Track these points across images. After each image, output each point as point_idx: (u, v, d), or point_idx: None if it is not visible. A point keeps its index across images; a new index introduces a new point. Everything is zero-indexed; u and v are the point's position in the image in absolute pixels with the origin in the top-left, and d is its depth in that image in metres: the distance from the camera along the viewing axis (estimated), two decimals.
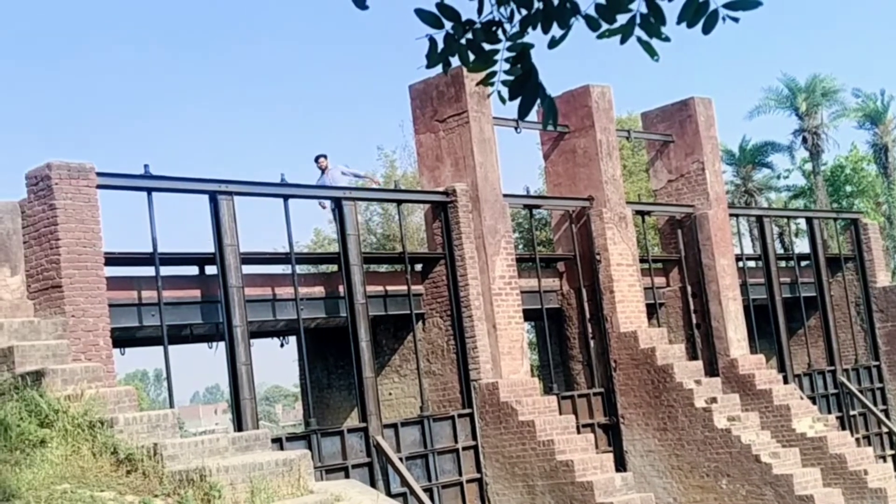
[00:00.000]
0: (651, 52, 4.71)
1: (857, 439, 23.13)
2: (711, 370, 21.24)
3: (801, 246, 36.98)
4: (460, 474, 17.27)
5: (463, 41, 4.79)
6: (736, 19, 4.55)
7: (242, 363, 14.86)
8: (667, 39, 4.66)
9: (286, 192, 16.35)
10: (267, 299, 16.34)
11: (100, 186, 13.56)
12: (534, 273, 19.63)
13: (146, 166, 14.57)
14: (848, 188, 44.34)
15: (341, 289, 16.74)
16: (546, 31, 4.71)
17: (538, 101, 4.84)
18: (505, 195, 18.57)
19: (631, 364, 19.57)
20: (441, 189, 18.14)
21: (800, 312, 24.70)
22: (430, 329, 18.05)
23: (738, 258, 23.28)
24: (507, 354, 17.71)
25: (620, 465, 19.05)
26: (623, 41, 4.66)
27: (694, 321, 22.02)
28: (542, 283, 19.57)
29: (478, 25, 4.77)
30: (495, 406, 17.23)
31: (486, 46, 4.80)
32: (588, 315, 20.02)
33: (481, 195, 17.94)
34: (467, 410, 17.47)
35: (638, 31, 4.64)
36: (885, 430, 24.96)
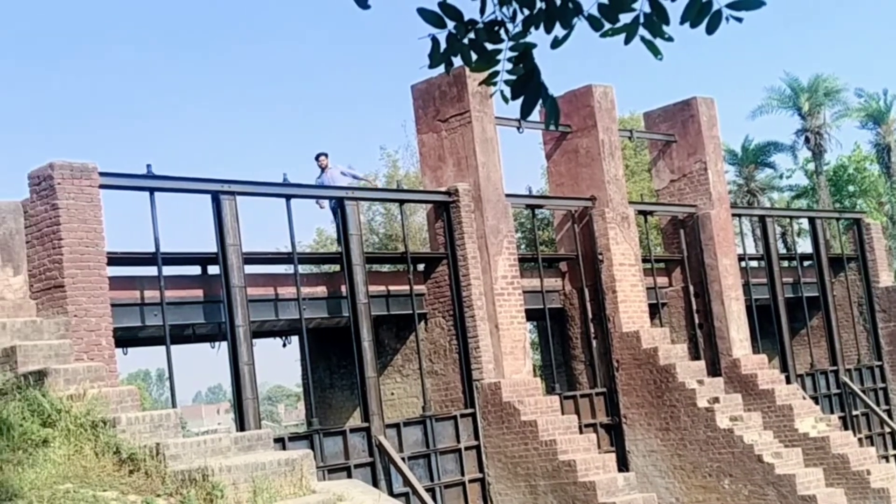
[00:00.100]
0: (655, 51, 4.71)
1: (860, 439, 23.10)
2: (714, 370, 21.23)
3: (804, 246, 36.87)
4: (463, 474, 17.27)
5: (465, 41, 4.79)
6: (739, 19, 4.55)
7: (245, 363, 14.86)
8: (670, 39, 4.65)
9: (288, 192, 16.36)
10: (269, 299, 16.34)
11: (102, 186, 13.56)
12: (536, 273, 19.63)
13: (149, 166, 14.58)
14: (851, 188, 44.31)
15: (343, 289, 16.74)
16: (549, 30, 4.71)
17: (540, 100, 4.83)
18: (507, 195, 18.56)
19: (633, 364, 19.56)
20: (443, 189, 18.14)
21: (802, 312, 24.68)
22: (432, 329, 18.05)
23: (741, 258, 23.26)
24: (509, 354, 17.70)
25: (623, 465, 19.04)
26: (627, 41, 4.66)
27: (696, 321, 22.01)
28: (544, 283, 19.56)
29: (480, 25, 4.77)
30: (498, 406, 17.23)
31: (489, 46, 4.79)
32: (590, 315, 20.02)
33: (484, 195, 17.93)
34: (470, 410, 17.47)
35: (641, 31, 4.64)
36: (887, 430, 24.94)
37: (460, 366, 17.62)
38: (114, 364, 13.11)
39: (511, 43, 4.77)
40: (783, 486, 17.96)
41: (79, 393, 11.34)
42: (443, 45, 4.80)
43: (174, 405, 14.10)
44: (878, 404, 25.13)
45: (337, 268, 18.18)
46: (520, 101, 4.83)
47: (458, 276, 17.70)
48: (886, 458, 24.06)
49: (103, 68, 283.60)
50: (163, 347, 14.45)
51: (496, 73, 4.83)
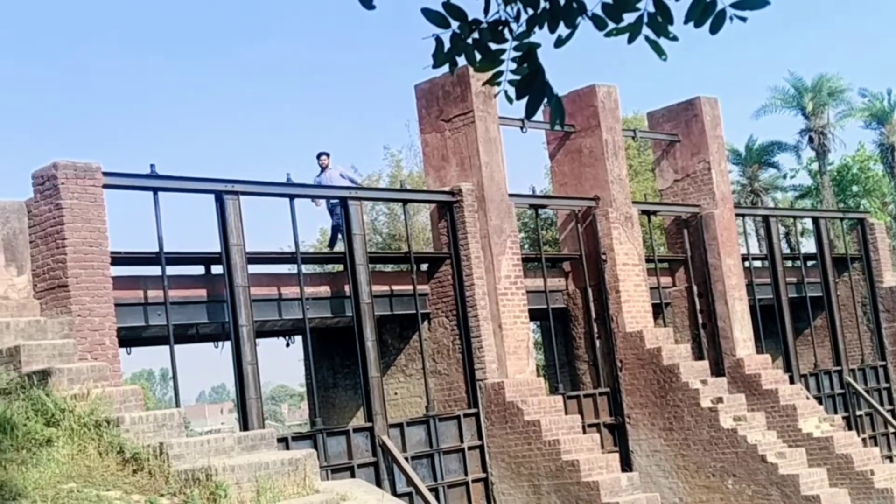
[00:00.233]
0: (659, 51, 4.70)
1: (864, 439, 23.09)
2: (717, 370, 21.21)
3: (808, 246, 36.92)
4: (466, 474, 17.27)
5: (469, 41, 4.78)
6: (743, 19, 4.53)
7: (248, 362, 14.87)
8: (674, 39, 4.64)
9: (292, 192, 16.36)
10: (273, 299, 16.34)
11: (106, 186, 13.57)
12: (539, 273, 19.62)
13: (152, 166, 14.58)
14: (854, 188, 44.30)
15: (347, 288, 16.74)
16: (553, 30, 4.70)
17: (545, 100, 4.83)
18: (511, 195, 18.56)
19: (637, 364, 19.55)
20: (447, 189, 18.14)
21: (806, 312, 24.65)
22: (435, 329, 18.05)
23: (745, 258, 23.24)
24: (512, 354, 17.70)
25: (626, 464, 19.03)
26: (630, 40, 4.65)
27: (700, 321, 21.99)
28: (547, 283, 19.56)
29: (484, 25, 4.76)
30: (501, 406, 17.23)
31: (493, 46, 4.78)
32: (594, 315, 20.01)
33: (487, 195, 17.93)
34: (473, 410, 17.46)
35: (645, 30, 4.63)
36: (891, 430, 24.91)
37: (464, 365, 17.62)
38: (117, 364, 13.12)
39: (515, 42, 4.76)
40: (787, 486, 17.95)
41: (82, 392, 11.35)
42: (447, 45, 4.79)
43: (178, 405, 14.11)
44: (881, 404, 25.09)
45: (340, 267, 18.19)
46: (524, 100, 4.82)
47: (462, 276, 17.69)
48: (890, 458, 24.03)
49: (107, 68, 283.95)
50: (166, 347, 14.45)
51: (500, 73, 4.83)
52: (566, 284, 20.45)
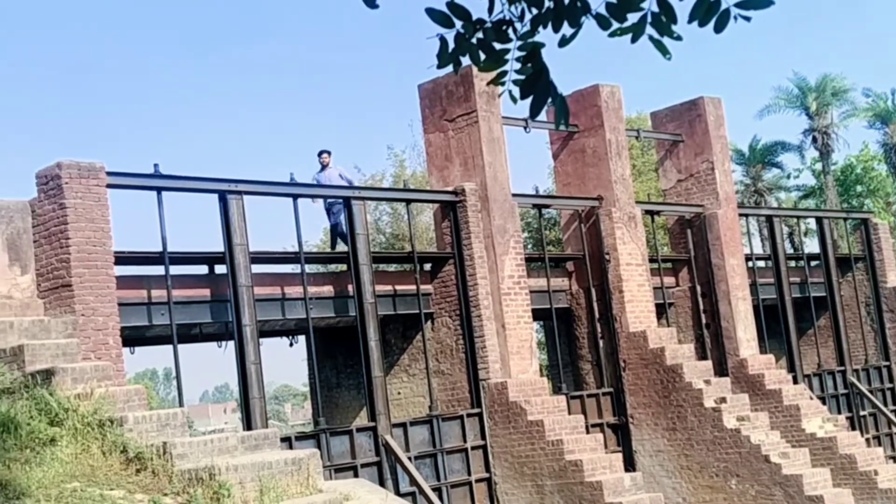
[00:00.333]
0: (663, 50, 4.69)
1: (867, 440, 23.07)
2: (721, 370, 21.20)
3: (811, 246, 36.92)
4: (469, 474, 17.26)
5: (474, 40, 4.78)
6: (748, 18, 4.53)
7: (251, 362, 14.87)
8: (679, 38, 4.64)
9: (295, 192, 16.37)
10: (276, 298, 16.35)
11: (110, 186, 13.57)
12: (543, 273, 19.62)
13: (156, 165, 14.59)
14: (858, 188, 44.25)
15: (350, 288, 16.74)
16: (557, 29, 4.69)
17: (549, 100, 4.82)
18: (514, 195, 18.55)
19: (640, 364, 19.54)
20: (450, 188, 18.14)
21: (809, 312, 24.63)
22: (438, 328, 18.05)
23: (748, 258, 23.22)
24: (515, 354, 17.70)
25: (629, 465, 19.02)
26: (634, 40, 4.64)
27: (703, 321, 21.98)
28: (551, 283, 19.55)
29: (488, 24, 4.76)
30: (504, 406, 17.22)
31: (497, 45, 4.78)
32: (597, 315, 20.01)
33: (490, 195, 17.93)
34: (476, 410, 17.46)
35: (649, 30, 4.62)
36: (895, 430, 24.88)
37: (467, 365, 17.62)
38: (121, 363, 13.13)
39: (519, 42, 4.75)
40: (790, 487, 17.94)
41: (86, 392, 11.35)
42: (451, 45, 4.79)
43: (181, 404, 14.10)
44: (885, 404, 25.07)
45: (344, 267, 18.19)
46: (527, 100, 4.82)
47: (465, 276, 17.69)
48: (894, 459, 24.00)
49: (110, 68, 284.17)
50: (170, 346, 14.47)
51: (504, 73, 4.82)
52: (569, 284, 20.44)
